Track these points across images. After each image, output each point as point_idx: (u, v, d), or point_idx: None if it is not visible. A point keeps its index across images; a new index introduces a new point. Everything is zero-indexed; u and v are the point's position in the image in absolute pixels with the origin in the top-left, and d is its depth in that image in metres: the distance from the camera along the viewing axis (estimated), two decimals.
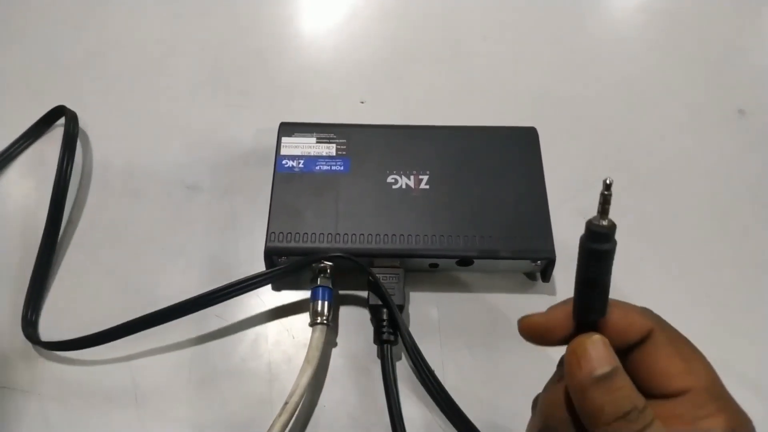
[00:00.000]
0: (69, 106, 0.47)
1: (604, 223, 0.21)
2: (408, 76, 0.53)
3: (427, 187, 0.39)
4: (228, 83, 0.52)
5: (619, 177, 0.46)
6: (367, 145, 0.41)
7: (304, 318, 0.37)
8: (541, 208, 0.38)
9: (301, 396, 0.32)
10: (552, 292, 0.40)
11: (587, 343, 0.23)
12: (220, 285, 0.35)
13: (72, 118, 0.46)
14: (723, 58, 0.55)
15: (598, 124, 0.49)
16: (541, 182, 0.40)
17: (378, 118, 0.44)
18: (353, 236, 0.37)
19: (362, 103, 0.50)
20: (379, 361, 0.35)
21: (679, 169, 0.46)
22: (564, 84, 0.52)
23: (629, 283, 0.39)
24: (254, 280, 0.35)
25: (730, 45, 0.56)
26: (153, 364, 0.36)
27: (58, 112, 0.47)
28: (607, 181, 0.21)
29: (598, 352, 0.22)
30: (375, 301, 0.36)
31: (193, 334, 0.37)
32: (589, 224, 0.22)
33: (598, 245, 0.22)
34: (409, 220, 0.38)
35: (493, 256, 0.37)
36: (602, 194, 0.21)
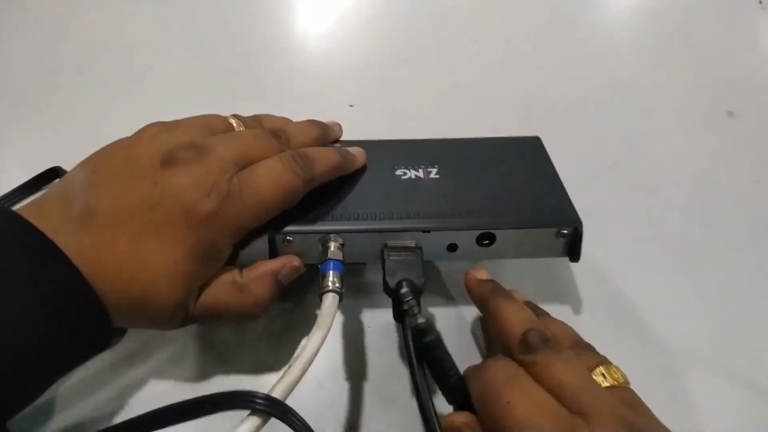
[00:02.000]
0: (56, 112, 0.46)
1: (422, 320, 0.28)
2: (397, 80, 0.53)
3: (438, 176, 0.37)
4: (217, 87, 0.51)
5: (609, 179, 0.46)
6: (370, 154, 0.39)
7: None
8: (557, 188, 0.36)
9: (309, 359, 0.28)
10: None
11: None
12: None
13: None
14: (712, 60, 0.55)
15: (588, 127, 0.49)
16: (552, 169, 0.38)
17: (367, 122, 0.44)
18: (364, 214, 0.34)
19: (351, 106, 0.50)
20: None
21: (668, 170, 0.46)
22: (553, 86, 0.52)
23: (619, 284, 0.39)
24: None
25: (719, 47, 0.56)
26: None
27: (53, 173, 0.43)
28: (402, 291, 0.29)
29: None
30: (393, 276, 0.32)
31: None
32: (415, 325, 0.29)
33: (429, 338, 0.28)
34: (423, 200, 0.35)
35: (516, 225, 0.34)
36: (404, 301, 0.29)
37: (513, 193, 0.36)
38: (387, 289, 0.32)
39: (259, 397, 0.26)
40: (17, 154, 0.47)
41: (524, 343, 0.27)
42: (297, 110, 0.50)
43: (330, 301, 0.30)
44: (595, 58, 0.55)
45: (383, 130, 0.48)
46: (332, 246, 0.33)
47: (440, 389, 0.29)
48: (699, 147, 0.48)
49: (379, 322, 0.36)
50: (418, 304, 0.31)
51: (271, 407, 0.26)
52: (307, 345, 0.28)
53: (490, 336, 0.35)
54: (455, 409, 0.28)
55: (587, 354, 0.29)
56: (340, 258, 0.32)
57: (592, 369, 0.27)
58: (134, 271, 0.27)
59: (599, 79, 0.53)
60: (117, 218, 0.27)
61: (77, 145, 0.46)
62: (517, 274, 0.38)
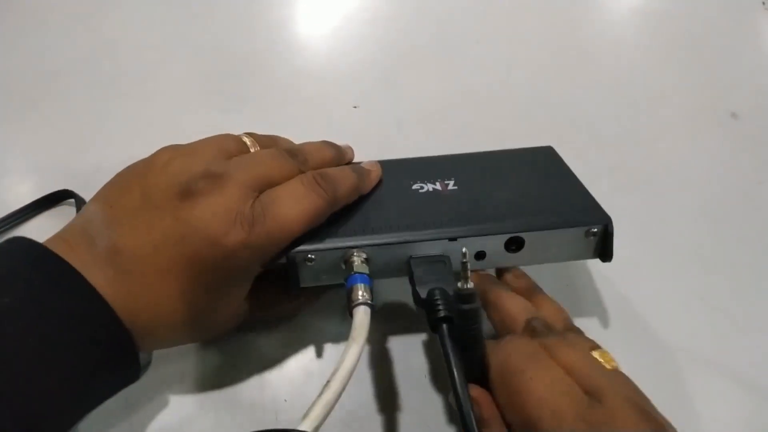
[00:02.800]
0: (60, 113, 0.47)
1: (469, 286, 0.27)
2: (401, 81, 0.53)
3: (456, 188, 0.36)
4: (221, 88, 0.52)
5: (612, 180, 0.46)
6: (383, 172, 0.38)
7: None
8: (580, 190, 0.36)
9: (348, 376, 0.27)
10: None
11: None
12: None
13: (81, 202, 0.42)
14: (716, 61, 0.55)
15: (592, 128, 0.50)
16: (572, 174, 0.37)
17: (371, 123, 0.44)
18: (387, 227, 0.33)
19: (355, 107, 0.50)
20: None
21: (672, 172, 0.47)
22: (557, 87, 0.52)
23: (623, 285, 0.39)
24: None
25: (722, 48, 0.56)
26: None
27: (64, 195, 0.43)
28: (463, 250, 0.27)
29: None
30: (423, 284, 0.30)
31: None
32: (457, 290, 0.27)
33: (468, 305, 0.27)
34: (445, 210, 0.34)
35: (545, 227, 0.33)
36: (462, 263, 0.27)
37: (536, 197, 0.35)
38: (418, 299, 0.30)
39: None
40: (21, 157, 0.47)
41: (529, 329, 0.29)
42: (301, 111, 0.50)
43: (362, 313, 0.29)
44: (599, 60, 0.55)
45: (387, 131, 0.48)
46: (356, 261, 0.31)
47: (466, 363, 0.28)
48: (702, 148, 0.48)
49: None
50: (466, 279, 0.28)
51: None
52: (343, 359, 0.27)
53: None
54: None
55: (579, 338, 0.30)
56: (367, 272, 0.31)
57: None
58: (174, 304, 0.27)
59: (603, 81, 0.53)
60: (143, 256, 0.27)
61: (81, 147, 0.47)
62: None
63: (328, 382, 0.26)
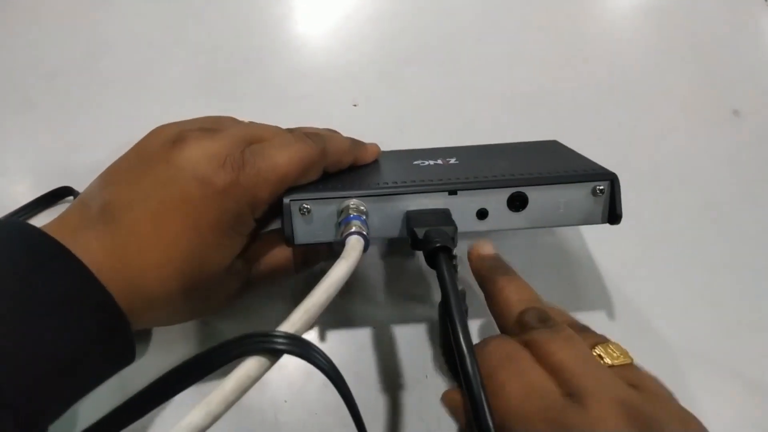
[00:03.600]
0: (57, 112, 0.46)
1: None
2: (401, 79, 0.53)
3: (457, 162, 0.36)
4: (220, 86, 0.51)
5: None
6: (383, 158, 0.38)
7: None
8: (586, 160, 0.35)
9: (332, 289, 0.25)
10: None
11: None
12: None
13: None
14: (718, 58, 0.55)
15: (593, 125, 0.49)
16: (577, 154, 0.37)
17: (371, 121, 0.44)
18: (384, 184, 0.31)
19: (355, 106, 0.50)
20: None
21: (674, 169, 0.46)
22: (558, 85, 0.52)
23: (624, 284, 0.38)
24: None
25: (724, 45, 0.56)
26: None
27: (65, 191, 0.43)
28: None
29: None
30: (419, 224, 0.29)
31: None
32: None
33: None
34: (446, 172, 0.33)
35: (549, 182, 0.31)
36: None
37: (541, 163, 0.34)
38: (415, 240, 0.29)
39: (279, 336, 0.22)
40: (18, 156, 0.47)
41: (520, 322, 0.27)
42: (300, 110, 0.50)
43: (355, 239, 0.28)
44: (600, 57, 0.55)
45: (387, 129, 0.48)
46: (353, 207, 0.30)
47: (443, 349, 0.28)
48: (704, 146, 0.48)
49: (383, 324, 0.36)
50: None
51: (293, 345, 0.22)
52: (330, 273, 0.25)
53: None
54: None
55: (584, 334, 0.28)
56: (364, 217, 0.30)
57: (590, 348, 0.26)
58: (166, 250, 0.27)
59: (604, 78, 0.53)
60: (132, 202, 0.27)
61: (78, 146, 0.47)
62: (520, 272, 0.38)
63: (312, 292, 0.24)
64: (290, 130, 0.34)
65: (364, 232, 0.28)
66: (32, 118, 0.48)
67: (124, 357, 0.27)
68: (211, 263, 0.28)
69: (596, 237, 0.33)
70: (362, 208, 0.30)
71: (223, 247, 0.29)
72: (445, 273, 0.26)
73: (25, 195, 0.42)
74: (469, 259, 0.33)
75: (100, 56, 0.53)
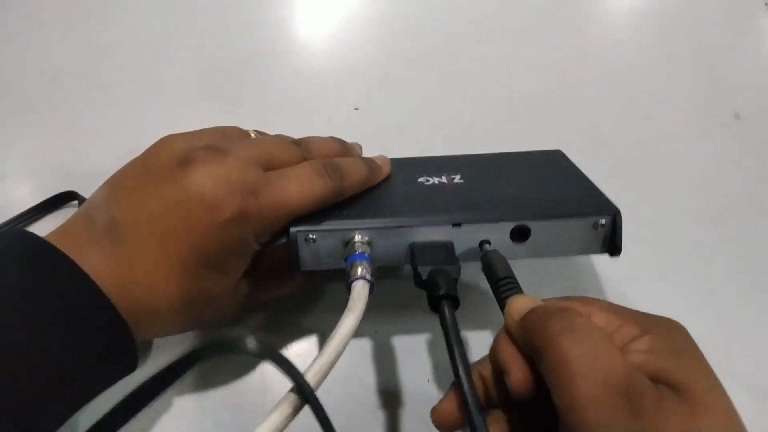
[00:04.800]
0: (59, 115, 0.47)
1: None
2: (402, 82, 0.53)
3: (462, 181, 0.36)
4: (222, 89, 0.52)
5: (614, 182, 0.46)
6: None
7: None
8: (589, 186, 0.35)
9: (343, 343, 0.25)
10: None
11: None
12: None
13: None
14: (718, 61, 0.55)
15: (594, 129, 0.49)
16: (581, 173, 0.37)
17: (372, 124, 0.44)
18: (390, 213, 0.32)
19: (356, 109, 0.50)
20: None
21: (675, 173, 0.46)
22: (558, 88, 0.52)
23: (627, 288, 0.38)
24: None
25: (725, 49, 0.56)
26: None
27: (69, 196, 0.43)
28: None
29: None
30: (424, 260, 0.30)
31: None
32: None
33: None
34: (450, 200, 0.33)
35: (551, 216, 0.32)
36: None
37: (544, 191, 0.34)
38: (419, 280, 0.29)
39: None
40: (21, 159, 0.47)
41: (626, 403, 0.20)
42: (301, 113, 0.50)
43: (360, 286, 0.28)
44: (601, 60, 0.55)
45: (389, 132, 0.48)
46: (358, 242, 0.30)
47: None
48: (705, 149, 0.48)
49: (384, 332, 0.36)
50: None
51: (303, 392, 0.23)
52: (338, 328, 0.25)
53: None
54: None
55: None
56: (367, 253, 0.30)
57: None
58: (172, 271, 0.27)
59: (604, 81, 0.53)
60: (138, 223, 0.27)
61: (80, 150, 0.47)
62: (520, 275, 0.38)
63: (323, 350, 0.25)
64: (299, 142, 0.33)
65: (368, 276, 0.28)
66: (34, 121, 0.49)
67: (128, 367, 0.28)
68: (216, 283, 0.29)
69: None
70: (366, 239, 0.31)
71: (228, 268, 0.29)
72: (448, 322, 0.26)
73: (27, 199, 0.42)
74: (508, 332, 0.27)
75: (102, 59, 0.53)
